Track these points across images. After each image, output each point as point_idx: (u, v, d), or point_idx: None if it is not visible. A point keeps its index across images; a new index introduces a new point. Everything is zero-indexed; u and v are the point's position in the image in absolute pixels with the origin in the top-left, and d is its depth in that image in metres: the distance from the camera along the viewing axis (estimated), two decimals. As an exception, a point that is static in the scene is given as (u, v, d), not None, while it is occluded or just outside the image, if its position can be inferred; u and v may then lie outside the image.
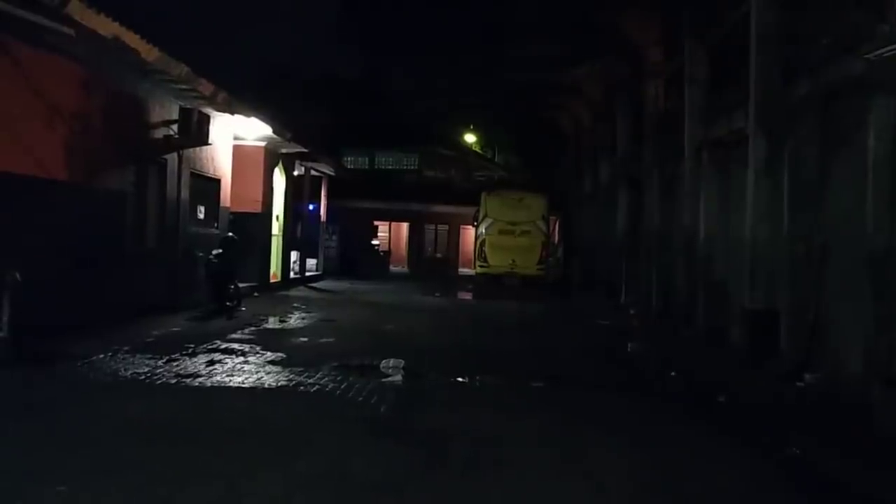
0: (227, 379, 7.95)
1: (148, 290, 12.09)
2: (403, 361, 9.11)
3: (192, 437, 5.76)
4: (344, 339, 11.41)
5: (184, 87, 11.83)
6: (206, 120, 12.93)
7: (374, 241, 35.14)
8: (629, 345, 11.95)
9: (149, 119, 12.10)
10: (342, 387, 7.83)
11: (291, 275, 21.79)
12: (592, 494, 4.95)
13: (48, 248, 9.19)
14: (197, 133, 12.69)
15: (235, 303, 14.00)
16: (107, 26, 8.72)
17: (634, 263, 18.41)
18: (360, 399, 7.34)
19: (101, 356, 8.68)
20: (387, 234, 37.71)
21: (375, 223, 36.25)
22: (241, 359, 9.20)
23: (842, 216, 8.76)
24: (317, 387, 7.77)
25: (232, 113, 13.65)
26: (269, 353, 9.59)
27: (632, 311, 17.07)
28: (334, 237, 29.96)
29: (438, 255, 37.22)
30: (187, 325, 11.89)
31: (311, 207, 25.17)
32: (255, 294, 17.04)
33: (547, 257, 26.71)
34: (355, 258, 30.85)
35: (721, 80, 13.25)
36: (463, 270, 36.14)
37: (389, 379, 8.43)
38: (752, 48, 10.55)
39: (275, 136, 16.49)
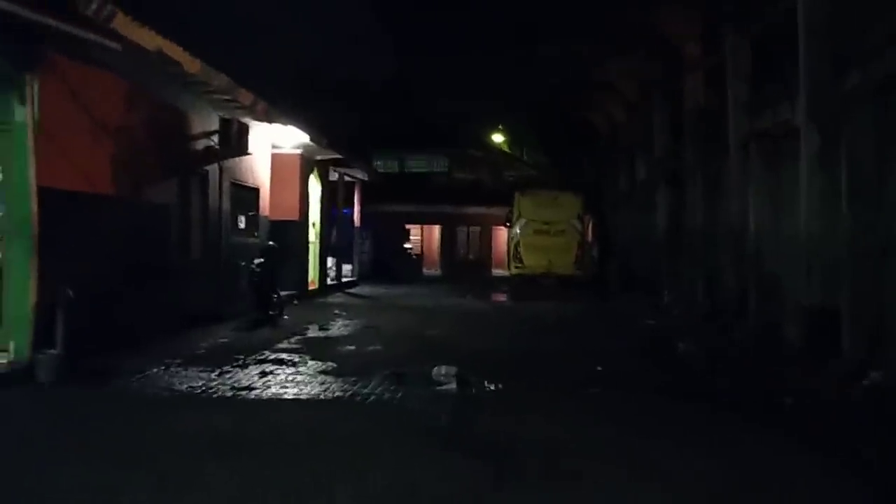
0: (282, 391, 7.88)
1: (194, 302, 12.11)
2: (456, 368, 8.97)
3: (255, 451, 5.68)
4: (390, 347, 11.32)
5: (224, 97, 11.84)
6: (245, 130, 12.92)
7: (407, 245, 35.12)
8: (680, 345, 11.69)
9: (190, 131, 12.12)
10: (398, 396, 7.73)
11: (328, 281, 21.78)
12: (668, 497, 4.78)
13: (97, 263, 9.20)
14: (237, 143, 12.69)
15: (278, 311, 13.98)
16: (151, 39, 8.72)
17: (676, 262, 18.14)
18: (419, 409, 7.23)
19: (155, 370, 8.67)
20: (419, 238, 37.66)
21: (407, 227, 36.23)
22: (293, 369, 9.14)
23: (904, 209, 8.51)
24: (373, 397, 7.68)
25: (270, 122, 13.66)
26: (319, 363, 9.52)
27: (675, 311, 16.82)
28: (367, 242, 29.97)
29: (471, 257, 37.09)
30: (234, 335, 11.88)
31: (344, 213, 25.17)
32: (295, 302, 17.02)
33: (582, 257, 26.43)
34: (388, 262, 30.85)
35: (764, 72, 13.01)
36: (496, 272, 35.97)
37: (444, 387, 8.30)
38: (801, 40, 10.31)
39: (311, 143, 16.49)
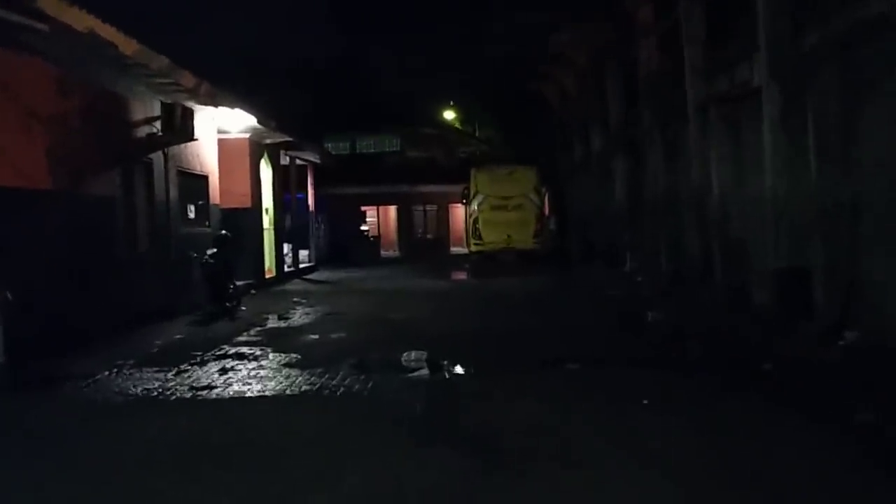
0: (244, 388, 7.45)
1: (144, 297, 11.53)
2: (425, 353, 8.63)
3: (224, 458, 5.27)
4: (354, 333, 10.93)
5: (164, 80, 11.21)
6: (189, 114, 12.29)
7: (363, 227, 34.58)
8: (649, 314, 11.52)
9: (130, 117, 11.46)
10: (368, 387, 7.35)
11: (286, 269, 21.22)
12: (675, 487, 4.50)
13: (37, 262, 8.62)
14: (182, 128, 12.06)
15: (235, 303, 13.45)
16: (82, 20, 8.09)
17: (637, 230, 18.02)
18: (391, 399, 6.87)
19: (106, 373, 8.14)
20: (375, 219, 37.12)
21: (363, 209, 35.67)
22: (255, 364, 8.70)
23: (874, 165, 8.36)
24: (342, 389, 7.29)
25: (216, 105, 13.03)
26: (282, 356, 9.09)
27: (639, 279, 16.71)
28: (322, 226, 29.38)
29: (429, 236, 36.71)
30: (189, 330, 11.36)
31: (298, 197, 24.55)
32: (252, 292, 16.49)
33: (541, 230, 26.24)
34: (345, 246, 30.32)
35: (719, 34, 12.80)
36: (455, 249, 35.67)
37: (415, 374, 7.96)
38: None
39: (259, 126, 15.89)
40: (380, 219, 37.50)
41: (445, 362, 8.27)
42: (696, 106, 12.98)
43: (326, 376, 7.78)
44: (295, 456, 5.28)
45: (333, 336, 10.66)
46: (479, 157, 35.01)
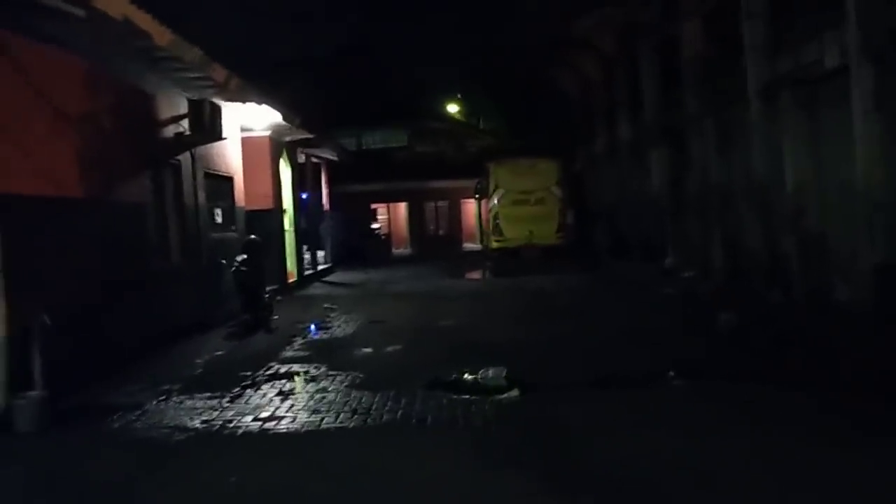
0: (316, 418, 6.55)
1: (178, 310, 10.63)
2: (504, 369, 7.75)
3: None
4: (408, 346, 10.05)
5: (194, 75, 10.27)
6: (218, 112, 11.36)
7: (375, 225, 33.74)
8: (721, 316, 10.61)
9: (158, 116, 10.53)
10: (459, 413, 6.49)
11: (305, 272, 20.31)
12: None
13: (71, 279, 7.72)
14: (210, 127, 11.14)
15: (268, 312, 12.55)
16: (118, 6, 7.18)
17: (679, 224, 17.16)
18: (495, 432, 5.99)
19: (154, 402, 7.26)
20: (386, 216, 36.25)
21: (373, 206, 34.80)
22: (314, 385, 7.84)
23: None
24: (430, 418, 6.41)
25: (243, 101, 12.10)
26: (341, 374, 8.22)
27: (685, 275, 15.86)
28: (334, 225, 28.45)
29: (441, 233, 35.83)
30: (228, 345, 10.47)
31: (313, 196, 23.63)
32: (279, 298, 15.56)
33: (564, 224, 25.33)
34: (357, 245, 29.48)
35: (785, 10, 11.93)
36: (467, 245, 34.83)
37: (504, 396, 7.08)
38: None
39: (283, 123, 14.96)
40: (390, 216, 36.65)
41: (529, 381, 7.41)
42: (759, 89, 12.09)
43: (404, 402, 6.90)
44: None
45: (389, 350, 9.78)
46: (491, 150, 34.04)
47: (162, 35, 8.31)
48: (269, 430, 6.31)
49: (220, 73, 10.43)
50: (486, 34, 28.22)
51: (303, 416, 6.64)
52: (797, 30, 11.29)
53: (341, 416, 6.59)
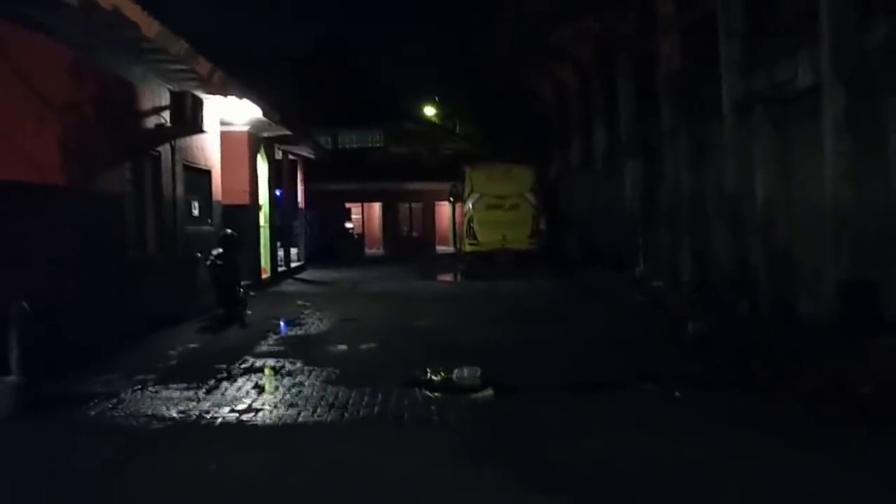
0: (292, 412, 6.61)
1: (152, 302, 10.61)
2: (478, 369, 7.86)
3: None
4: (383, 344, 10.13)
5: (178, 67, 10.29)
6: (200, 104, 11.37)
7: (348, 225, 33.73)
8: (690, 325, 10.84)
9: (140, 107, 10.52)
10: (434, 411, 6.61)
11: (278, 268, 20.30)
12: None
13: (50, 266, 7.71)
14: (192, 120, 11.16)
15: (242, 307, 12.56)
16: (108, -5, 7.21)
17: (651, 233, 17.43)
18: (470, 428, 6.12)
19: (131, 391, 7.28)
20: (359, 216, 36.24)
21: (347, 205, 34.78)
22: (290, 379, 7.91)
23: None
24: (406, 414, 6.51)
25: (225, 95, 12.11)
26: (316, 370, 8.29)
27: (654, 284, 16.11)
28: (308, 224, 28.41)
29: (414, 234, 35.90)
30: (203, 338, 10.49)
31: (287, 193, 23.58)
32: (252, 293, 15.53)
33: (537, 231, 25.59)
34: (330, 244, 29.47)
35: (759, 28, 12.22)
36: (441, 248, 34.93)
37: (479, 395, 7.20)
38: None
39: (263, 118, 14.97)
40: (364, 216, 36.65)
41: (505, 381, 7.55)
42: (734, 105, 12.37)
43: (380, 398, 6.99)
44: (396, 505, 4.52)
45: (364, 347, 9.86)
46: (466, 154, 34.18)
47: (150, 26, 8.34)
48: (246, 421, 6.37)
49: (204, 66, 10.44)
50: (464, 38, 28.47)
51: (280, 410, 6.71)
52: (773, 48, 11.58)
53: (318, 410, 6.68)
